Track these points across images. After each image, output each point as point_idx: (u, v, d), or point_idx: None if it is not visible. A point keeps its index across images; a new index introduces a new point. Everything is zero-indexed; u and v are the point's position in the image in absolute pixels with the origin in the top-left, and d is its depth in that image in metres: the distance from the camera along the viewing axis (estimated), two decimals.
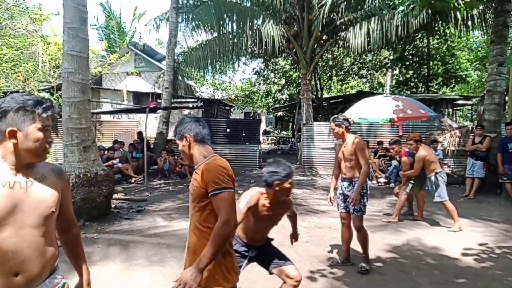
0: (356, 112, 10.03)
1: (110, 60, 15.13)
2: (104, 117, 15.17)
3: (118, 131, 14.81)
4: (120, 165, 10.17)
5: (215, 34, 12.99)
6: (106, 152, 10.49)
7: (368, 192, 4.03)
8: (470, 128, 10.49)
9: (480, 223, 5.98)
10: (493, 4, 9.30)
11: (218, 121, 14.38)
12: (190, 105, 13.78)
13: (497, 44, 8.50)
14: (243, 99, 27.52)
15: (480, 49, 19.85)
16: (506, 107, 10.73)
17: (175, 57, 13.34)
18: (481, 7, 10.61)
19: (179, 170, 10.80)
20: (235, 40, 12.90)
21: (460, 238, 5.18)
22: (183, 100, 14.79)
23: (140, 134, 12.83)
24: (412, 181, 5.98)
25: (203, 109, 15.61)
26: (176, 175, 10.83)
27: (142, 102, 16.49)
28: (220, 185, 1.82)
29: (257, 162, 13.00)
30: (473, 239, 5.11)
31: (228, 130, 13.30)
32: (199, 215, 1.92)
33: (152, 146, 12.33)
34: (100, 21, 24.45)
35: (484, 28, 11.35)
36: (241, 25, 12.34)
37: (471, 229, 5.63)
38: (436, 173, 5.64)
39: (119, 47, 22.31)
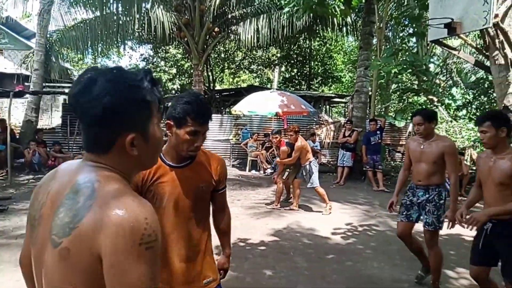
0: (246, 105, 10.39)
1: None
2: None
3: None
4: None
5: (98, 13, 11.82)
6: None
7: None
8: (342, 123, 11.88)
9: (347, 206, 6.85)
10: (362, 15, 10.63)
11: None
12: (66, 91, 12.28)
13: (364, 50, 9.76)
14: None
15: (352, 53, 22.52)
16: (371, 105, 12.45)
17: (48, 35, 11.72)
18: (353, 16, 12.02)
19: (52, 163, 9.59)
20: (120, 22, 11.96)
21: (331, 219, 5.84)
22: (58, 84, 13.16)
23: (2, 122, 10.92)
24: (288, 169, 6.49)
25: None
26: (48, 169, 9.58)
27: (4, 85, 14.05)
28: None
29: None
30: (341, 219, 5.81)
31: None
32: (207, 213, 1.76)
33: (17, 137, 10.65)
34: None
35: (356, 35, 12.94)
36: (127, 7, 11.49)
37: (341, 211, 6.40)
38: (310, 161, 6.24)
39: None
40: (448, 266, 3.91)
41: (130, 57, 36.57)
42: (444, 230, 5.27)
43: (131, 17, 11.56)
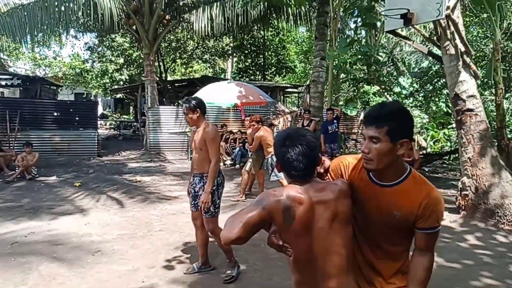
0: (203, 97, 10.11)
1: None
2: None
3: None
4: None
5: None
6: None
7: (222, 189, 3.49)
8: (299, 113, 12.05)
9: None
10: (316, 5, 10.75)
11: (44, 103, 12.17)
12: (3, 83, 11.14)
13: (319, 40, 9.88)
14: (73, 77, 24.18)
15: (304, 43, 22.89)
16: (325, 94, 12.75)
17: None
18: (307, 6, 12.15)
19: None
20: (63, 8, 11.02)
21: None
22: None
23: None
24: (250, 160, 6.47)
25: (21, 88, 12.95)
26: None
27: None
28: (440, 222, 1.47)
29: (96, 149, 11.70)
30: None
31: (57, 114, 11.42)
32: (396, 246, 1.55)
33: None
34: None
35: (309, 25, 13.12)
36: None
37: None
38: (273, 155, 6.23)
39: None
40: (410, 249, 4.11)
41: (73, 46, 34.30)
42: None
43: (75, 2, 10.69)
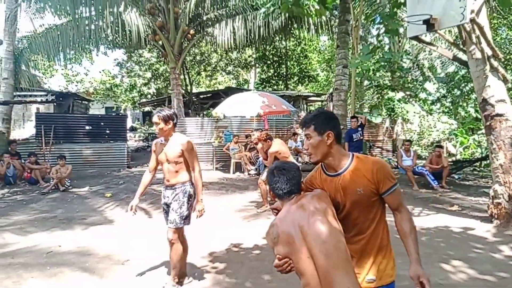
0: (227, 108, 10.29)
1: None
2: None
3: None
4: None
5: (70, 18, 11.40)
6: None
7: (193, 200, 3.40)
8: None
9: None
10: (337, 14, 10.77)
11: (76, 117, 12.74)
12: (39, 99, 11.77)
13: (341, 48, 9.88)
14: (103, 92, 25.16)
15: (326, 52, 22.85)
16: (349, 102, 12.63)
17: (17, 42, 11.22)
18: (328, 15, 12.18)
19: (28, 175, 9.19)
20: (93, 26, 11.59)
21: None
22: (28, 93, 12.61)
23: None
24: (267, 170, 6.46)
25: (55, 104, 13.60)
26: (24, 182, 9.18)
27: None
28: (395, 179, 1.79)
29: (125, 161, 12.09)
30: None
31: (89, 127, 11.93)
32: (366, 220, 1.80)
33: None
34: None
35: (330, 34, 13.11)
36: (100, 11, 11.16)
37: None
38: None
39: None
40: (441, 259, 3.99)
41: (103, 62, 35.86)
42: (433, 223, 5.41)
43: (105, 20, 11.22)
